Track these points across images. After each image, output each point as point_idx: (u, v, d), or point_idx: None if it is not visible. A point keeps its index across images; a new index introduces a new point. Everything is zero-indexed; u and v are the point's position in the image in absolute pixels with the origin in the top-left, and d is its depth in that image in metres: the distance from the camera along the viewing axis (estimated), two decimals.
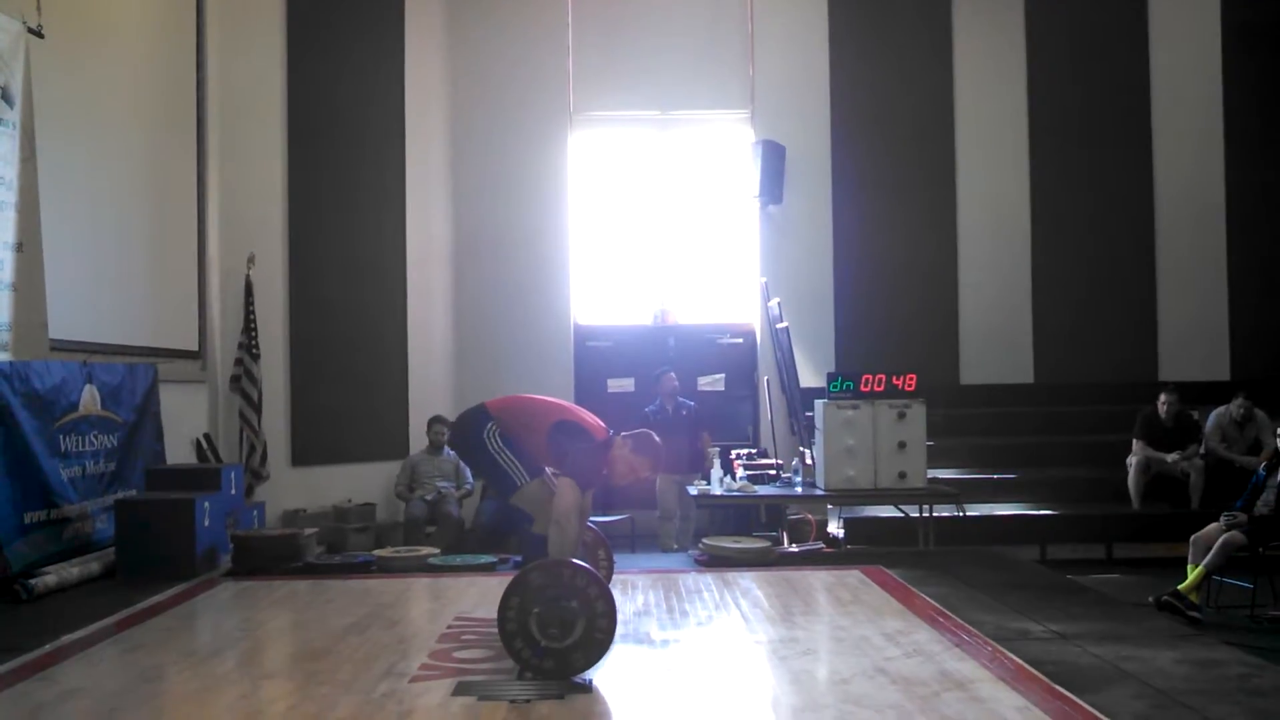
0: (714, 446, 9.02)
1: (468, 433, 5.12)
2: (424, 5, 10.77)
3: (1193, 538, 7.13)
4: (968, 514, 8.97)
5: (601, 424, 5.10)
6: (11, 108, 6.16)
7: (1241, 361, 11.25)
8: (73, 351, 6.82)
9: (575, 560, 4.39)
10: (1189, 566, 7.04)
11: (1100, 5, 11.47)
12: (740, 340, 11.44)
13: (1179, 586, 6.92)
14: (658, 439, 5.10)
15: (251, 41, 9.48)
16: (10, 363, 6.03)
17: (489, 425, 5.01)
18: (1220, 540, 6.91)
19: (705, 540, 7.15)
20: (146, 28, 8.27)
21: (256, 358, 9.02)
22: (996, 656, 4.48)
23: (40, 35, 6.41)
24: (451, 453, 9.48)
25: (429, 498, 9.34)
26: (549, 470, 5.04)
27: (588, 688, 4.10)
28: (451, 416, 9.58)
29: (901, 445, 7.90)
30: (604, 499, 8.79)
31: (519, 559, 6.43)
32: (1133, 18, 11.45)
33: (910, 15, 11.46)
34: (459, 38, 11.18)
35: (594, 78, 11.35)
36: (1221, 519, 7.11)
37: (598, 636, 4.17)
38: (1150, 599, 6.92)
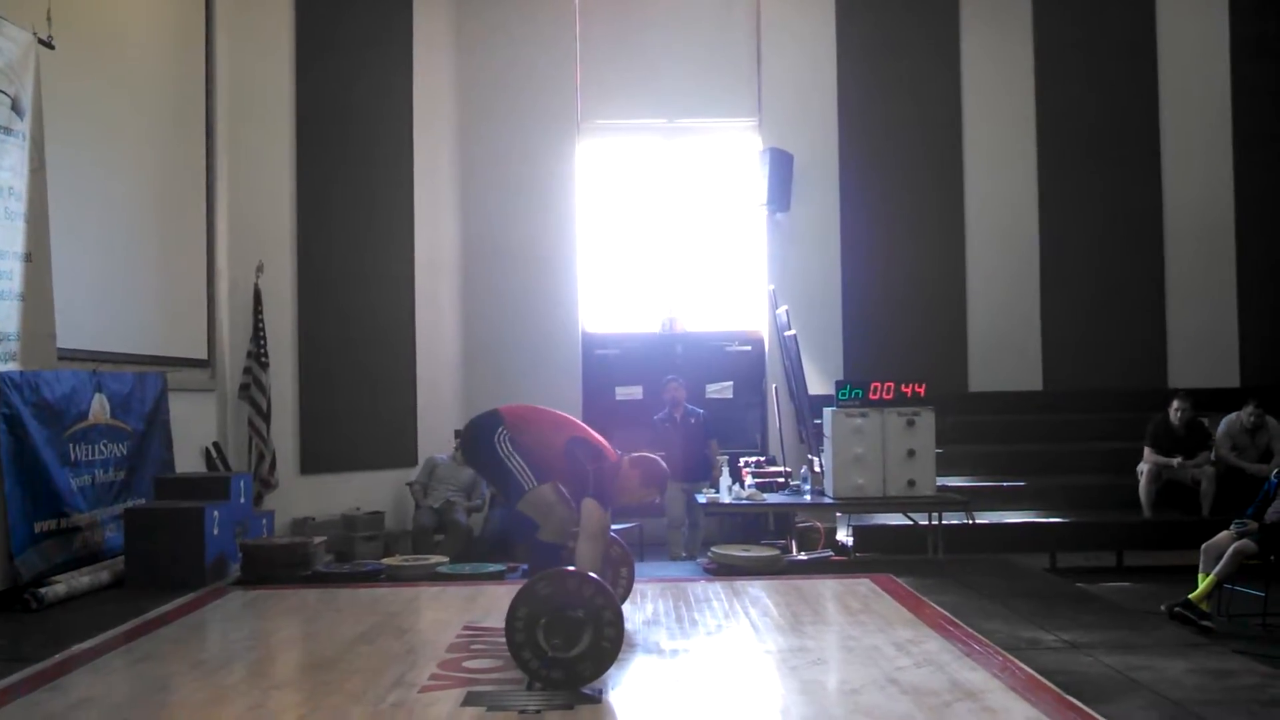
0: (722, 454, 9.02)
1: (479, 435, 5.18)
2: (432, 15, 10.79)
3: (1204, 546, 7.09)
4: (977, 522, 8.96)
5: (610, 446, 5.13)
6: (21, 119, 6.18)
7: (1252, 368, 11.21)
8: (82, 361, 6.84)
9: (573, 569, 4.40)
10: (1200, 575, 6.99)
11: (1109, 14, 11.45)
12: (748, 348, 11.42)
13: (1190, 595, 6.87)
14: (663, 463, 5.11)
15: (260, 51, 9.51)
16: (20, 372, 6.05)
17: (500, 429, 5.06)
18: (1231, 548, 6.87)
19: (714, 549, 7.14)
20: (155, 39, 8.30)
21: (265, 366, 9.04)
22: (1007, 666, 4.46)
23: (50, 46, 6.44)
24: None
25: (436, 505, 9.34)
26: (562, 487, 5.07)
27: (597, 698, 4.09)
28: (460, 425, 9.61)
29: (910, 453, 7.88)
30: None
31: (527, 567, 6.43)
32: (1142, 26, 11.43)
33: (918, 23, 11.45)
34: (467, 47, 11.20)
35: (601, 86, 11.36)
36: (1232, 527, 7.07)
37: (605, 646, 4.16)
38: (1162, 608, 6.88)
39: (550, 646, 4.11)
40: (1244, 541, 6.88)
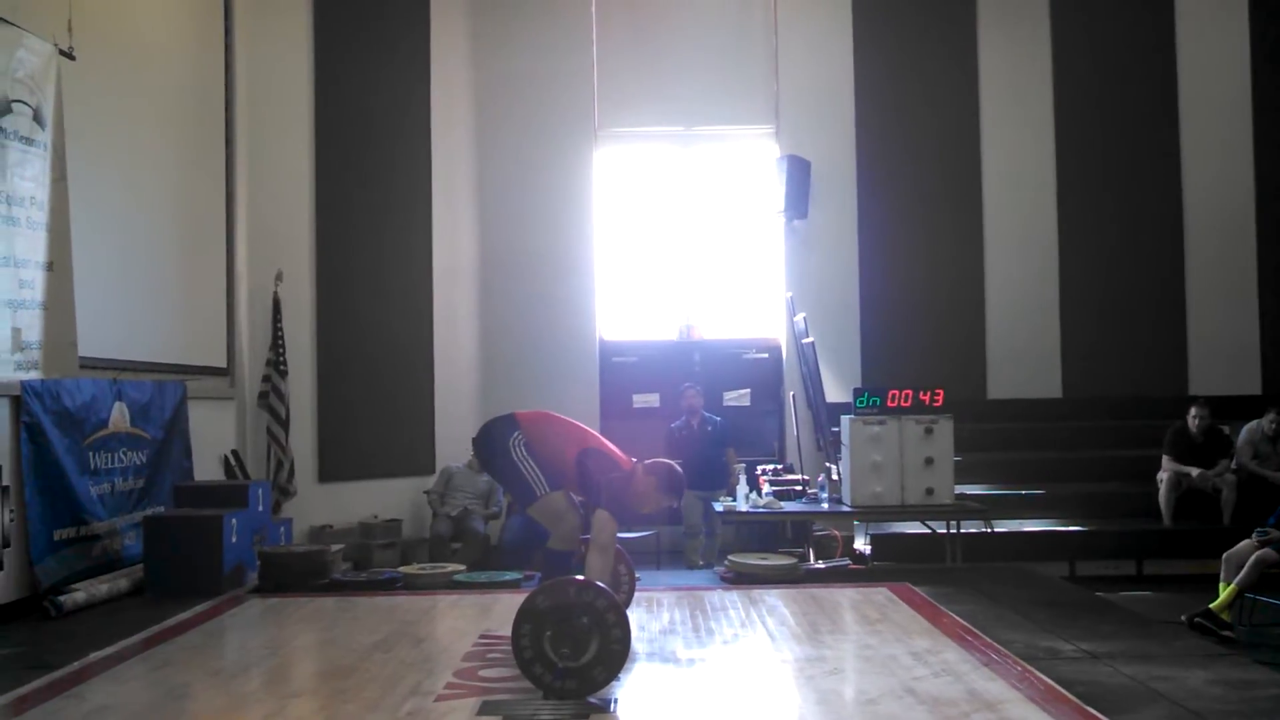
0: (739, 462, 9.01)
1: (493, 438, 5.20)
2: (450, 23, 10.83)
3: (1225, 555, 7.04)
4: (996, 530, 8.92)
5: (623, 455, 5.13)
6: (43, 129, 6.23)
7: (1273, 375, 11.11)
8: (102, 369, 6.89)
9: (577, 577, 4.40)
10: (1221, 584, 6.94)
11: (1127, 17, 11.39)
12: (766, 355, 11.40)
13: (1211, 605, 6.82)
14: (679, 469, 5.11)
15: (279, 60, 9.56)
16: (41, 381, 6.09)
17: (515, 434, 5.08)
18: (1253, 557, 6.82)
19: (731, 557, 7.12)
20: (175, 49, 8.36)
21: (284, 374, 9.08)
22: (1026, 676, 4.44)
23: (71, 57, 6.49)
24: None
25: (453, 514, 9.34)
26: (574, 496, 5.08)
27: (610, 709, 4.08)
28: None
29: (929, 461, 7.85)
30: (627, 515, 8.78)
31: (540, 575, 6.45)
32: (1160, 30, 11.36)
33: (935, 29, 11.42)
34: (485, 55, 11.22)
35: (619, 94, 11.37)
36: (1254, 535, 7.02)
37: (614, 648, 4.14)
38: (1182, 617, 6.83)
39: (560, 657, 4.10)
40: (1266, 550, 6.83)
